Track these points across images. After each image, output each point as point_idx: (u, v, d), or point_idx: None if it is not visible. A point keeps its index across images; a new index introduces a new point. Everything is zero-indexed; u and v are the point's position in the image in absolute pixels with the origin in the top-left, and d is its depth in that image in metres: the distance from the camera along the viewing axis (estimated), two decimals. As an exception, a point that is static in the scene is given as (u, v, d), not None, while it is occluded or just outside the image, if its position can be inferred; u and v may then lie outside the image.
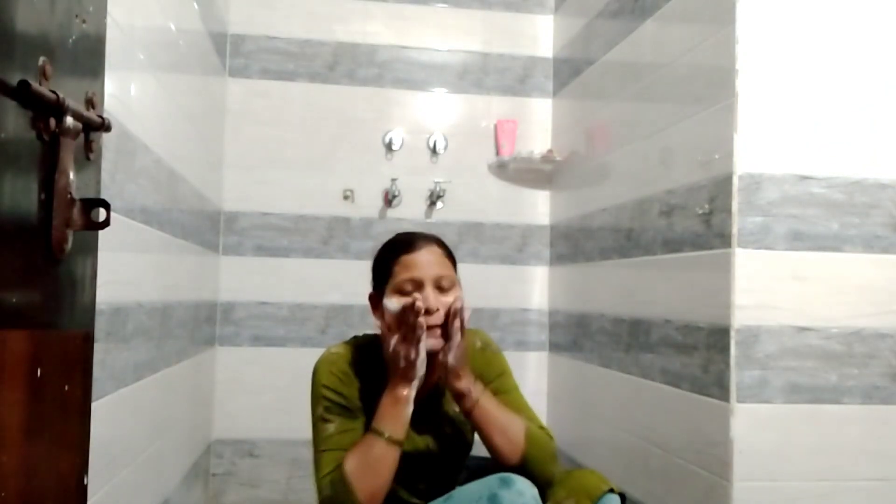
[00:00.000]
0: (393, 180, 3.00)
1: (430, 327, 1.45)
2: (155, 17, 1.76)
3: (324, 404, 1.48)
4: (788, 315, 1.69)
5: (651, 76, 2.18)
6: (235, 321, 2.93)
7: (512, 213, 3.13)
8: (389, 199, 3.01)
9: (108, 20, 1.19)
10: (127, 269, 1.51)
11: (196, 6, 2.26)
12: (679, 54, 1.99)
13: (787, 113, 1.70)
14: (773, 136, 1.70)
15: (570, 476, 1.50)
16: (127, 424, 1.56)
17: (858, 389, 1.70)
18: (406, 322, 1.42)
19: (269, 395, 2.91)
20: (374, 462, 1.39)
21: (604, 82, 2.58)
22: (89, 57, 1.04)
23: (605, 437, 2.43)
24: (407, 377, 1.43)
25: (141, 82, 1.62)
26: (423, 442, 1.54)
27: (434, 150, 3.07)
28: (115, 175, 1.39)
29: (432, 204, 3.05)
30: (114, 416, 1.45)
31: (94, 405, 1.15)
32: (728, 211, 1.70)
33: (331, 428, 1.46)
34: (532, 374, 3.05)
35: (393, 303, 1.46)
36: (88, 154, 1.01)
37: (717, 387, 1.72)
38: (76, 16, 0.97)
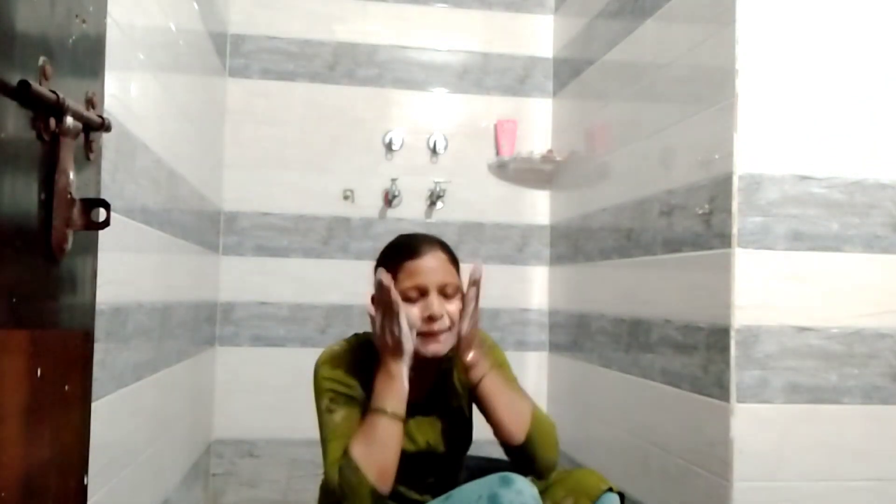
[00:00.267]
0: (393, 180, 3.00)
1: (434, 333, 1.45)
2: (155, 17, 1.76)
3: (329, 396, 1.48)
4: (788, 315, 1.69)
5: (651, 76, 2.18)
6: (235, 321, 2.93)
7: (512, 213, 3.13)
8: (389, 199, 3.01)
9: (108, 20, 1.19)
10: (127, 269, 1.51)
11: (196, 6, 2.26)
12: (679, 54, 1.99)
13: (787, 113, 1.70)
14: (773, 136, 1.70)
15: (568, 475, 1.50)
16: (127, 424, 1.56)
17: (858, 389, 1.70)
18: (382, 298, 1.42)
19: (269, 395, 2.91)
20: (379, 440, 1.39)
21: (604, 82, 2.58)
22: (89, 57, 1.04)
23: (605, 437, 2.43)
24: (397, 352, 1.43)
25: (141, 82, 1.62)
26: (424, 439, 1.54)
27: (434, 150, 3.07)
28: (115, 175, 1.39)
29: (432, 204, 3.05)
30: (114, 416, 1.45)
31: (94, 405, 1.15)
32: (728, 211, 1.70)
33: (337, 417, 1.46)
34: (532, 374, 3.05)
35: (382, 273, 1.44)
36: (88, 154, 1.01)
37: (717, 387, 1.72)
38: (76, 16, 0.97)
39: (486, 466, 1.54)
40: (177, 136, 2.04)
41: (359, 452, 1.38)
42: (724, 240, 1.71)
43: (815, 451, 1.68)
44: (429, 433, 1.55)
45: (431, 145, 3.07)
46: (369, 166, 3.04)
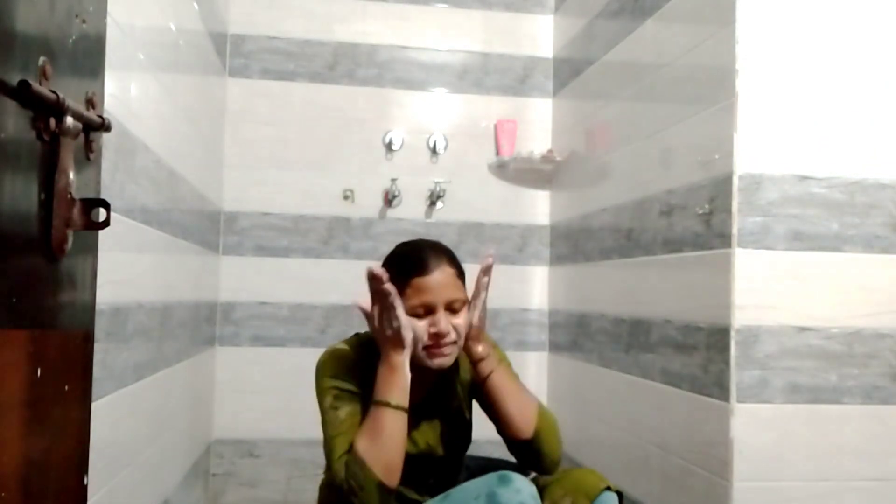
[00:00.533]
0: (393, 180, 3.00)
1: (441, 346, 1.45)
2: (155, 17, 1.76)
3: (332, 394, 1.48)
4: (788, 315, 1.69)
5: (651, 76, 2.18)
6: (235, 321, 2.93)
7: (512, 213, 3.13)
8: (389, 199, 3.01)
9: (108, 20, 1.19)
10: (127, 269, 1.51)
11: (196, 6, 2.26)
12: (679, 54, 1.99)
13: (787, 113, 1.70)
14: (773, 136, 1.70)
15: (567, 475, 1.50)
16: (127, 424, 1.56)
17: (858, 389, 1.70)
18: (376, 291, 1.42)
19: (269, 395, 2.91)
20: (383, 433, 1.38)
21: (604, 82, 2.58)
22: (89, 57, 1.04)
23: (605, 437, 2.43)
24: (397, 344, 1.43)
25: (141, 82, 1.62)
26: (423, 441, 1.54)
27: (434, 150, 3.07)
28: (115, 175, 1.39)
29: (432, 204, 3.05)
30: (114, 416, 1.45)
31: (94, 405, 1.15)
32: (728, 211, 1.70)
33: (342, 414, 1.45)
34: (532, 374, 3.05)
35: (374, 266, 1.43)
36: (88, 154, 1.01)
37: (717, 387, 1.72)
38: (76, 16, 0.97)
39: (486, 466, 1.54)
40: (177, 136, 2.04)
41: (364, 447, 1.38)
42: (724, 240, 1.71)
43: (815, 451, 1.68)
44: (428, 435, 1.55)
45: (431, 145, 3.07)
46: (369, 166, 3.04)
